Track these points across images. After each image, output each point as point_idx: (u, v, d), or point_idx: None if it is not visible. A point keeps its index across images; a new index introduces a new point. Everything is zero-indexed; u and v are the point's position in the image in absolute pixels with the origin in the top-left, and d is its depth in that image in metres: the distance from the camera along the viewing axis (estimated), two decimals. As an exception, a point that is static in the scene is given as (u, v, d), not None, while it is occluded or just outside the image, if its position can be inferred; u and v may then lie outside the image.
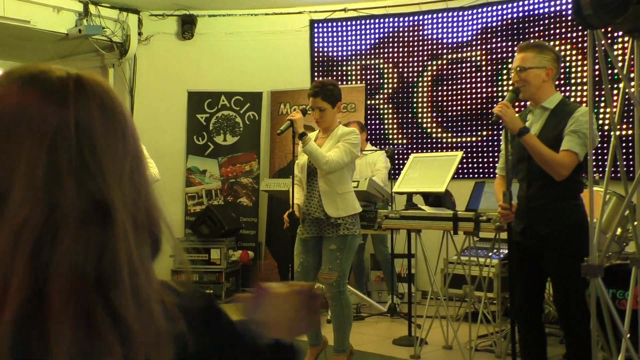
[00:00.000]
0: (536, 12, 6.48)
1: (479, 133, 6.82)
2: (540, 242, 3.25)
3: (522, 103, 4.60)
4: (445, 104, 7.03)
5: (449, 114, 7.00)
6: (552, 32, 6.36)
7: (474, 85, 6.85)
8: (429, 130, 7.11)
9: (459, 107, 6.95)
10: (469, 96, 6.89)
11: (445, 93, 7.02)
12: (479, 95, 6.83)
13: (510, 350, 3.43)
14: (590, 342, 3.19)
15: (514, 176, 3.41)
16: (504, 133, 3.51)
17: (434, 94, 7.08)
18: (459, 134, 6.94)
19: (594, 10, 2.55)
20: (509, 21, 6.64)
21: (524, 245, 3.33)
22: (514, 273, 3.43)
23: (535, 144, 3.17)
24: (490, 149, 6.69)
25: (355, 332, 5.44)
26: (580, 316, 3.17)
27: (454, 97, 6.97)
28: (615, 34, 5.63)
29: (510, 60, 6.19)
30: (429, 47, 7.12)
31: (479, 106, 6.83)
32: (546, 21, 6.41)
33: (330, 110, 4.10)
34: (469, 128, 6.89)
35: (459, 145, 6.84)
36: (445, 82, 7.03)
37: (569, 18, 6.19)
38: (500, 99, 6.42)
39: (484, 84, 6.81)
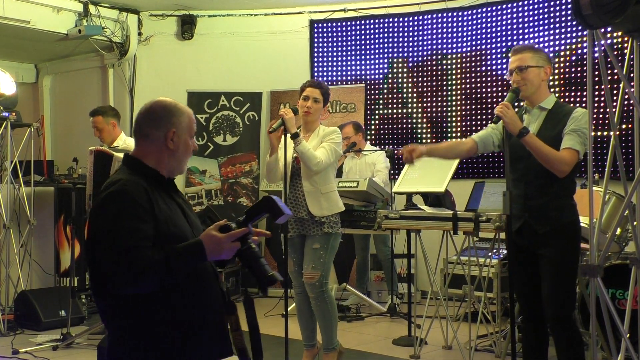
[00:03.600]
0: (535, 12, 6.48)
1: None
2: (537, 240, 3.25)
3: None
4: (447, 103, 7.04)
5: (450, 114, 7.01)
6: (551, 32, 6.36)
7: (473, 86, 6.87)
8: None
9: (460, 107, 6.97)
10: (469, 96, 6.90)
11: (446, 93, 7.04)
12: (479, 95, 6.84)
13: (510, 350, 3.43)
14: (580, 339, 3.20)
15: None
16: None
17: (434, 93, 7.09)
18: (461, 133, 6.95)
19: (594, 10, 2.55)
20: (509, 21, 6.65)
21: (519, 244, 3.33)
22: (513, 273, 3.43)
23: (536, 143, 3.19)
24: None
25: (355, 332, 5.45)
26: (571, 314, 3.19)
27: (456, 97, 6.99)
28: (615, 34, 5.63)
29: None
30: (430, 45, 7.13)
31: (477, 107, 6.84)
32: (545, 22, 6.41)
33: (320, 105, 4.16)
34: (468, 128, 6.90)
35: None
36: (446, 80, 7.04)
37: (569, 18, 6.19)
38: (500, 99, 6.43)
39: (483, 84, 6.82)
